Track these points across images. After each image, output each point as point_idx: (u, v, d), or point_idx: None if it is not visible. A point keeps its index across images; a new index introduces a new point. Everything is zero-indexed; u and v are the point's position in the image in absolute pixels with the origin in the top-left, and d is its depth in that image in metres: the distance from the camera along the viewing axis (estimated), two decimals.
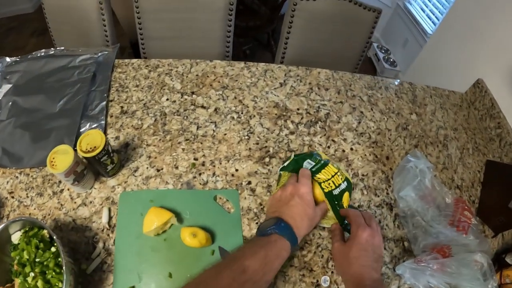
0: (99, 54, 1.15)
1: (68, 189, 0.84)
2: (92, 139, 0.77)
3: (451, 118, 1.09)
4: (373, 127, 1.00)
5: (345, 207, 0.76)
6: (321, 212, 0.73)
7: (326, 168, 0.77)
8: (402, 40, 2.39)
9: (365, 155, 0.93)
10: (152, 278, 0.71)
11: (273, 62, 1.23)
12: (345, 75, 1.11)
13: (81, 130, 0.95)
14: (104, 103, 0.98)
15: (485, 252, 0.76)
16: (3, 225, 0.69)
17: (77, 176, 0.77)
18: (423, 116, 1.07)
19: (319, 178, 0.76)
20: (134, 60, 1.11)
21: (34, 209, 0.82)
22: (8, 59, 1.15)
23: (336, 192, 0.76)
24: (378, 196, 0.87)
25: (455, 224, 0.83)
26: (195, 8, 1.23)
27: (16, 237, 0.71)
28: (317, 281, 0.73)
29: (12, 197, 0.84)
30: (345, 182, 0.78)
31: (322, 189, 0.75)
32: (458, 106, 1.14)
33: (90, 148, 0.75)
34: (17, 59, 1.17)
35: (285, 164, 0.79)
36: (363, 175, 0.89)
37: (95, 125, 0.95)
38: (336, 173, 0.77)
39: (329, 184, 0.76)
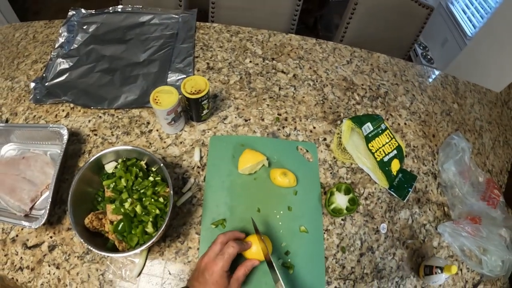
0: (180, 15, 1.26)
1: (157, 130, 0.94)
2: (195, 83, 0.86)
3: (487, 113, 1.24)
4: (422, 108, 1.14)
5: (393, 171, 0.92)
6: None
7: (382, 135, 0.93)
8: (441, 39, 2.49)
9: (416, 130, 1.08)
10: (242, 212, 0.82)
11: None
12: (400, 62, 1.25)
13: (168, 80, 1.06)
14: (191, 58, 1.10)
15: (509, 228, 0.90)
16: (105, 151, 0.76)
17: (176, 116, 0.87)
18: (463, 106, 1.22)
19: (372, 147, 0.91)
20: (215, 24, 1.23)
21: (121, 146, 0.89)
22: (83, 10, 1.25)
23: (385, 159, 0.91)
24: (426, 166, 1.01)
25: (486, 199, 0.98)
26: None
27: (110, 167, 0.78)
28: (377, 227, 0.87)
29: (95, 135, 0.94)
30: (395, 151, 0.94)
31: (375, 158, 0.90)
32: (493, 103, 1.29)
33: (195, 90, 0.84)
34: (92, 12, 1.27)
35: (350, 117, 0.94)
36: (414, 146, 1.04)
37: (183, 76, 1.06)
38: (388, 142, 0.93)
39: (380, 152, 0.91)
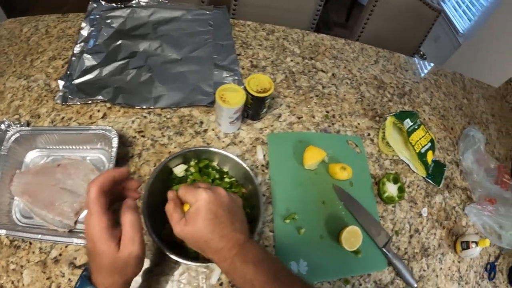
0: (213, 11, 1.27)
1: (213, 130, 0.94)
2: (259, 81, 0.88)
3: (489, 106, 1.39)
4: (440, 104, 1.27)
5: (428, 161, 1.03)
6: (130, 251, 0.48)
7: (418, 130, 1.04)
8: (433, 35, 2.67)
9: (438, 124, 1.20)
10: (309, 205, 0.88)
11: None
12: (416, 62, 1.37)
13: (214, 78, 1.06)
14: (234, 55, 1.13)
15: None
16: (175, 154, 0.72)
17: (239, 115, 0.89)
18: (471, 101, 1.36)
19: (412, 140, 1.01)
20: (249, 22, 1.27)
21: (175, 147, 0.88)
22: (103, 3, 1.22)
23: (422, 150, 1.03)
24: (449, 155, 1.14)
25: (499, 182, 1.13)
26: None
27: (179, 170, 0.74)
28: (419, 211, 0.98)
29: (143, 136, 0.89)
30: (429, 143, 1.05)
31: (414, 150, 1.00)
32: (494, 98, 1.45)
33: (261, 89, 0.87)
34: (114, 5, 1.23)
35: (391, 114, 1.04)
36: (438, 138, 1.16)
37: (231, 74, 1.07)
38: (424, 135, 1.05)
39: (418, 145, 1.02)
